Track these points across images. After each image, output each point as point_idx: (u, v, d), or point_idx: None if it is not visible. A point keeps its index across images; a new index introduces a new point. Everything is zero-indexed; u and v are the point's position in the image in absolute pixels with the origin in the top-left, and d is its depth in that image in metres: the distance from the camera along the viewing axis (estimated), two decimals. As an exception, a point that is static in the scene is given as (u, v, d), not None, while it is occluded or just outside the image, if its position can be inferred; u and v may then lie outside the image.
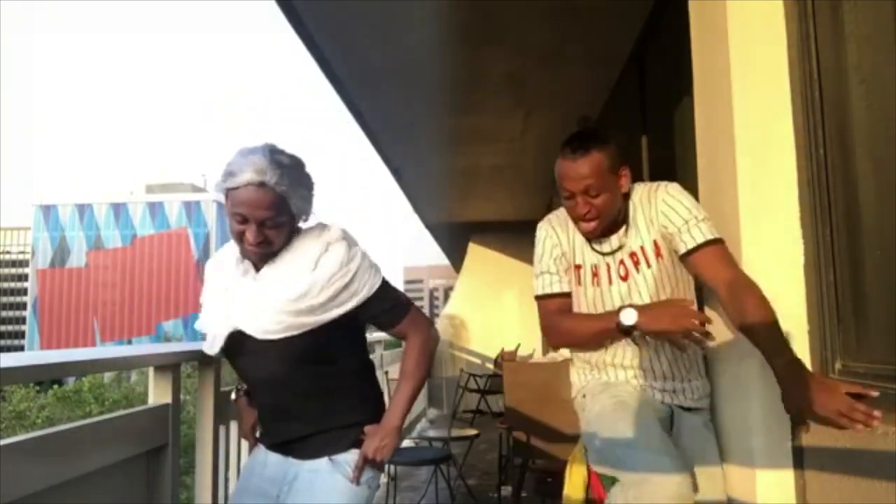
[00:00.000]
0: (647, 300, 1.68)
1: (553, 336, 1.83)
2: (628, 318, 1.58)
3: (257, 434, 1.78)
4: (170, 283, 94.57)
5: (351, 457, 1.62)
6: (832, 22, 1.47)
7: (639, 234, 1.71)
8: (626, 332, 1.61)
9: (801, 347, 1.53)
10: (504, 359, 6.08)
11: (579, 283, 1.77)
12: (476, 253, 10.66)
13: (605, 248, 1.74)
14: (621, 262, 1.72)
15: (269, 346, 1.58)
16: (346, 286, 1.59)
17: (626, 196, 1.72)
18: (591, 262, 1.75)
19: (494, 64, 4.12)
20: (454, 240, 11.54)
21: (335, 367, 1.67)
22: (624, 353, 1.72)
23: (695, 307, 1.68)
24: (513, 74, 4.25)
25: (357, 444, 1.64)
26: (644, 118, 3.70)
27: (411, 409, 1.76)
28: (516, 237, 10.43)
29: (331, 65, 4.19)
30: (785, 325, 1.54)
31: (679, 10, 2.12)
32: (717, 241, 1.61)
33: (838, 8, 1.45)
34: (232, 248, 1.69)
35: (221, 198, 1.59)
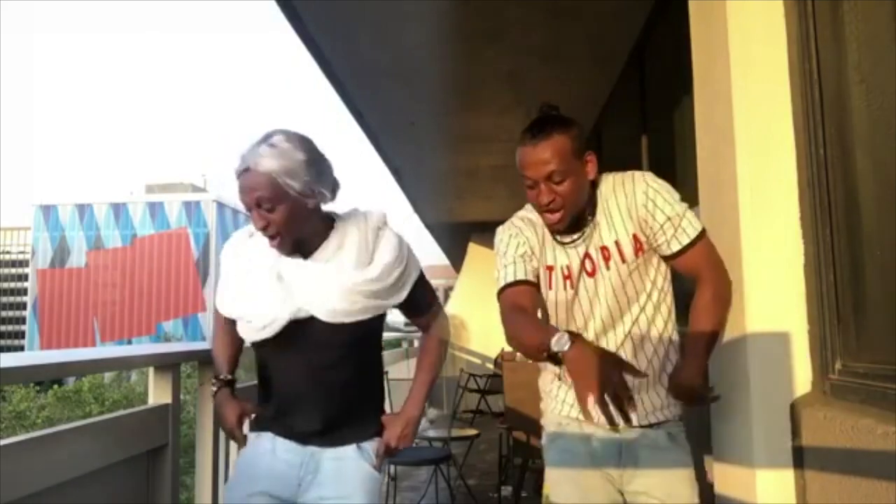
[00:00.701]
0: (610, 299, 1.57)
1: (508, 338, 1.58)
2: (559, 344, 1.37)
3: (245, 426, 1.68)
4: (170, 283, 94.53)
5: (373, 445, 1.65)
6: (832, 22, 1.47)
7: (612, 227, 1.56)
8: (552, 357, 1.40)
9: (801, 347, 1.53)
10: (504, 359, 6.07)
11: (550, 286, 1.61)
12: (476, 253, 10.66)
13: (573, 242, 1.59)
14: (587, 255, 1.58)
15: (332, 330, 1.57)
16: (404, 270, 1.63)
17: (594, 185, 1.58)
18: (563, 262, 1.60)
19: (494, 63, 4.11)
20: (454, 240, 11.54)
21: (372, 355, 1.71)
22: None
23: (639, 361, 1.56)
24: (513, 74, 4.25)
25: (379, 432, 1.67)
26: (644, 118, 3.71)
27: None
28: (516, 237, 10.43)
29: (331, 65, 4.19)
30: (785, 325, 1.54)
31: (679, 10, 2.12)
32: (700, 237, 1.53)
33: (838, 8, 1.45)
34: (250, 232, 1.67)
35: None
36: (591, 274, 1.58)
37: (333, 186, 1.60)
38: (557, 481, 1.61)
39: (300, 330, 1.58)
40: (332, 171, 1.60)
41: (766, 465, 1.51)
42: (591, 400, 1.26)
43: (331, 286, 1.56)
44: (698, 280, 1.56)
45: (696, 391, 1.51)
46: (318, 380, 1.61)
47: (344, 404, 1.63)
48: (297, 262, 1.60)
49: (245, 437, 1.67)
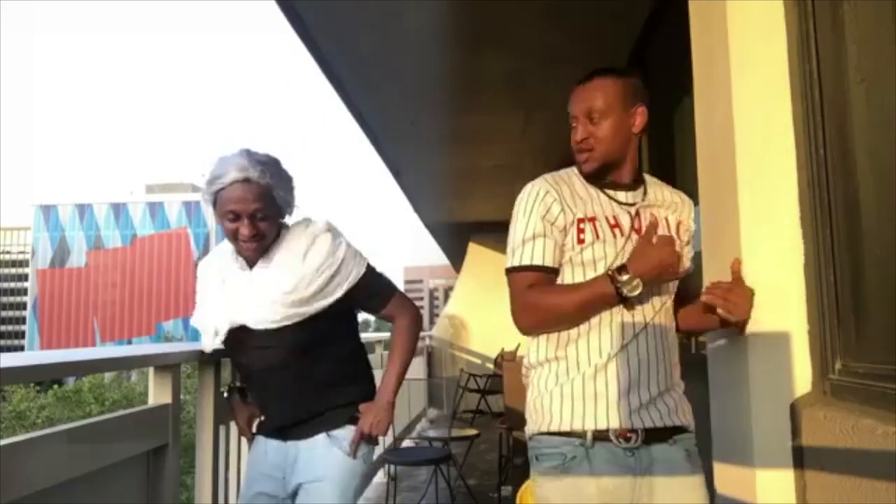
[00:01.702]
0: None
1: (530, 316, 1.43)
2: (629, 287, 1.31)
3: (254, 427, 1.86)
4: (170, 283, 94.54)
5: (347, 433, 1.74)
6: (832, 22, 1.47)
7: (662, 203, 1.54)
8: (625, 298, 1.34)
9: (801, 347, 1.53)
10: (504, 359, 6.08)
11: (582, 240, 1.42)
12: (476, 253, 10.66)
13: (623, 199, 1.49)
14: (638, 213, 1.46)
15: (268, 336, 1.69)
16: (332, 276, 1.71)
17: (638, 144, 1.53)
18: (609, 213, 1.46)
19: (494, 64, 4.12)
20: (454, 240, 11.54)
21: (330, 352, 1.77)
22: (600, 342, 1.41)
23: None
24: (513, 74, 4.25)
25: (353, 420, 1.76)
26: (644, 118, 3.70)
27: (401, 386, 1.87)
28: (516, 237, 10.42)
29: (331, 65, 4.19)
30: (785, 325, 1.54)
31: (679, 10, 2.12)
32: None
33: (838, 8, 1.45)
34: (224, 248, 1.79)
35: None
36: (640, 231, 1.45)
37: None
38: (551, 493, 1.41)
39: (243, 339, 1.73)
40: None
41: (766, 465, 1.51)
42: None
43: (256, 297, 1.69)
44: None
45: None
46: (276, 381, 1.74)
47: (307, 400, 1.74)
48: (242, 274, 1.74)
49: (253, 439, 1.85)
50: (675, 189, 1.66)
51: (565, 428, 1.39)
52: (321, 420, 1.75)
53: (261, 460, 1.79)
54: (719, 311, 1.43)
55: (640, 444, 1.37)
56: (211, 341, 1.78)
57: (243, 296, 1.71)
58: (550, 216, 1.44)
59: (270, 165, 1.66)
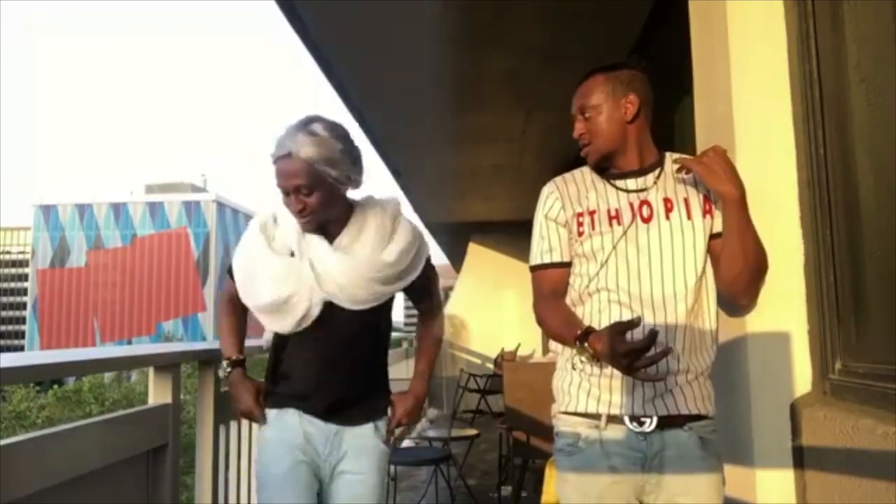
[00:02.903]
0: (665, 251, 1.45)
1: (538, 321, 1.58)
2: (583, 349, 1.37)
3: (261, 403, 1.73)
4: (170, 283, 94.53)
5: (384, 423, 1.77)
6: (832, 22, 1.47)
7: (683, 184, 1.50)
8: (585, 357, 1.41)
9: (801, 347, 1.53)
10: (504, 359, 6.09)
11: (594, 229, 1.49)
12: (476, 253, 10.66)
13: (633, 186, 1.52)
14: (644, 202, 1.48)
15: (351, 315, 1.68)
16: (416, 254, 1.74)
17: (645, 132, 1.53)
18: (613, 205, 1.50)
19: (494, 64, 4.12)
20: (454, 240, 11.54)
21: (382, 338, 1.81)
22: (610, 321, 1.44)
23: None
24: (513, 74, 4.25)
25: (386, 409, 1.79)
26: (644, 118, 3.70)
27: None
28: (516, 237, 10.41)
29: (331, 65, 4.19)
30: (785, 325, 1.54)
31: (679, 10, 2.12)
32: None
33: (838, 8, 1.45)
34: (267, 218, 1.76)
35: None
36: (647, 220, 1.47)
37: (363, 173, 1.70)
38: (568, 496, 1.48)
39: (323, 316, 1.68)
40: (362, 159, 1.70)
41: (766, 465, 1.51)
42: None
43: (353, 276, 1.66)
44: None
45: None
46: (338, 361, 1.71)
47: (360, 384, 1.74)
48: (324, 250, 1.68)
49: (264, 415, 1.73)
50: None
51: (581, 409, 1.46)
52: (371, 405, 1.76)
53: (295, 432, 1.68)
54: (696, 170, 1.45)
55: (654, 429, 1.40)
56: (295, 323, 1.66)
57: (331, 272, 1.65)
58: (552, 213, 1.56)
59: (320, 139, 1.59)
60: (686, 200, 1.48)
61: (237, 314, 1.81)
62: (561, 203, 1.55)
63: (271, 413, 1.72)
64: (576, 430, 1.47)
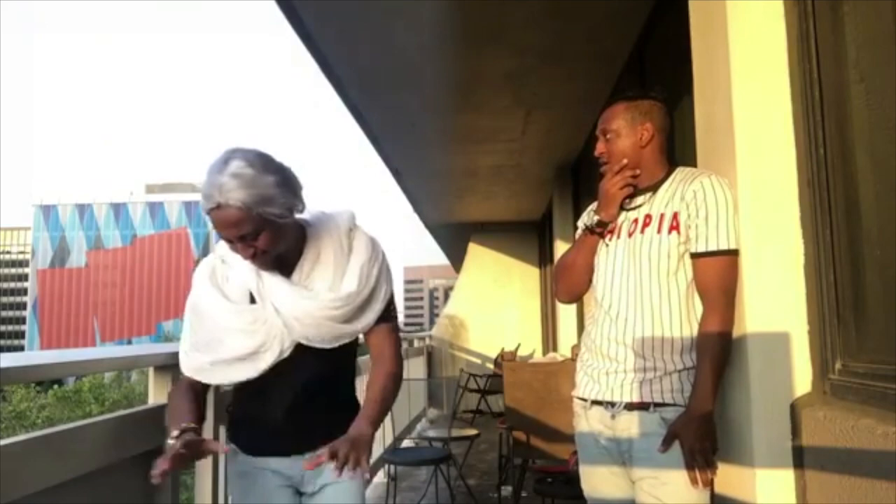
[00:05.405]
0: (631, 263, 1.68)
1: (554, 277, 1.95)
2: (590, 220, 1.77)
3: (223, 445, 1.65)
4: (170, 283, 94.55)
5: None
6: (832, 22, 1.47)
7: (664, 201, 1.69)
8: (594, 229, 1.76)
9: (801, 347, 1.53)
10: (504, 359, 6.08)
11: (605, 243, 1.81)
12: (476, 253, 10.66)
13: (640, 201, 1.75)
14: (635, 220, 1.73)
15: (316, 354, 1.60)
16: (379, 269, 1.65)
17: (662, 159, 1.75)
18: (621, 218, 1.77)
19: (494, 64, 4.12)
20: (454, 240, 11.55)
21: (349, 371, 1.74)
22: (597, 330, 1.75)
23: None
24: (513, 74, 4.25)
25: None
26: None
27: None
28: (516, 237, 10.44)
29: (331, 65, 4.19)
30: (785, 325, 1.54)
31: (679, 9, 2.12)
32: (728, 253, 1.58)
33: (838, 8, 1.45)
34: (214, 265, 1.66)
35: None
36: (630, 235, 1.73)
37: (302, 196, 1.55)
38: (582, 476, 1.82)
39: (291, 355, 1.60)
40: (297, 180, 1.55)
41: (766, 465, 1.51)
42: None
43: (318, 316, 1.57)
44: (705, 301, 1.62)
45: (706, 422, 1.56)
46: (305, 399, 1.63)
47: (329, 420, 1.61)
48: (285, 292, 1.57)
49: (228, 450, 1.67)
50: (699, 169, 1.73)
51: (576, 394, 1.82)
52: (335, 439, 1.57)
53: (267, 478, 1.63)
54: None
55: (623, 410, 1.67)
56: (266, 368, 1.57)
57: (295, 313, 1.56)
58: (580, 223, 1.89)
59: (245, 179, 1.42)
60: (662, 216, 1.67)
61: (196, 391, 1.64)
62: (588, 216, 1.84)
63: (238, 458, 1.66)
64: (575, 410, 1.83)
